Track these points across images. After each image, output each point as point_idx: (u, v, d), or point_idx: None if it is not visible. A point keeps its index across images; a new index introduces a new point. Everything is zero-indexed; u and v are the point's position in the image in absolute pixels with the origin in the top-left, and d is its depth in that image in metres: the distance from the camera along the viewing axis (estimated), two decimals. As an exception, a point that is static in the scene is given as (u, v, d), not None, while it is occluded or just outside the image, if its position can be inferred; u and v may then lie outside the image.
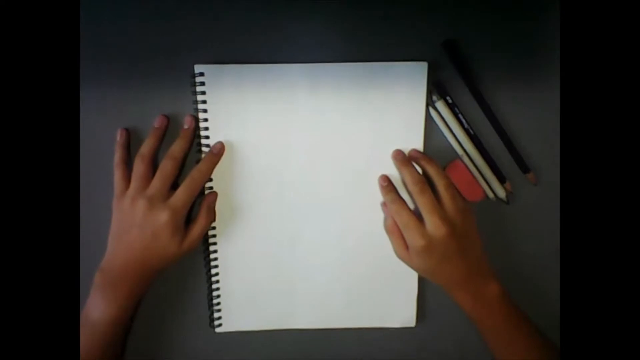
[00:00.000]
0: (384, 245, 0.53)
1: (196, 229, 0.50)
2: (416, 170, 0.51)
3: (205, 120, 0.50)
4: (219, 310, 0.55)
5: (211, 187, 0.52)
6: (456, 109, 0.51)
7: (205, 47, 0.50)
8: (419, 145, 0.52)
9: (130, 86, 0.50)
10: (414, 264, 0.50)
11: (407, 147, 0.52)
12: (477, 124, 0.52)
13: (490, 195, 0.54)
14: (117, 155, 0.50)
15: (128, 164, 0.51)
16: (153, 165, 0.50)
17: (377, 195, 0.53)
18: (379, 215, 0.53)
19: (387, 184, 0.52)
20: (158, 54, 0.50)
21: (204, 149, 0.51)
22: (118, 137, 0.51)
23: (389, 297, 0.55)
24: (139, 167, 0.49)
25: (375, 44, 0.50)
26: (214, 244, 0.54)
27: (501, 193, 0.53)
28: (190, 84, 0.50)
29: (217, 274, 0.54)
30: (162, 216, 0.47)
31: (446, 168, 0.53)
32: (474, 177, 0.53)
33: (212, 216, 0.52)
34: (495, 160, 0.53)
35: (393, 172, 0.52)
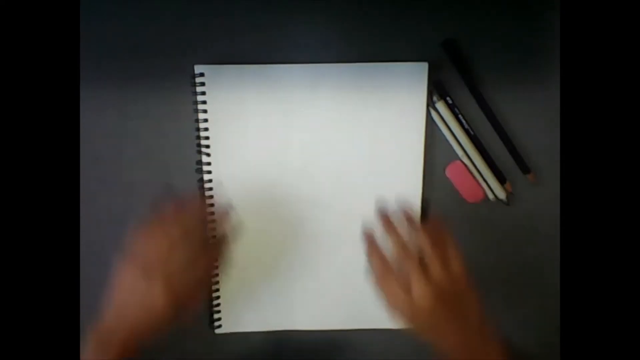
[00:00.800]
0: (384, 247, 0.53)
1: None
2: (383, 254, 0.46)
3: (205, 120, 0.50)
4: (218, 312, 0.55)
5: (211, 196, 0.52)
6: (456, 109, 0.51)
7: (206, 48, 0.50)
8: (419, 145, 0.52)
9: (130, 86, 0.50)
10: (404, 323, 0.46)
11: (407, 148, 0.52)
12: (477, 124, 0.52)
13: (490, 196, 0.54)
14: (158, 197, 0.48)
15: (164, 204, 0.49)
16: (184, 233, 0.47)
17: (377, 197, 0.53)
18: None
19: (370, 241, 0.47)
20: (158, 54, 0.50)
21: (204, 149, 0.51)
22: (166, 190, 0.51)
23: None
24: (173, 209, 0.47)
25: (375, 44, 0.50)
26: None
27: (501, 194, 0.53)
28: (190, 84, 0.50)
29: (216, 275, 0.54)
30: (158, 286, 0.45)
31: (446, 169, 0.53)
32: (474, 177, 0.53)
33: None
34: (495, 161, 0.53)
35: (394, 175, 0.52)
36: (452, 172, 0.53)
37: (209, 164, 0.51)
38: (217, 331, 0.56)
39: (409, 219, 0.47)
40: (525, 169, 0.53)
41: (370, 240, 0.48)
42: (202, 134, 0.51)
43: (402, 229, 0.47)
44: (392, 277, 0.45)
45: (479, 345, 0.45)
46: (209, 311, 0.56)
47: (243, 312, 0.55)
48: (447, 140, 0.52)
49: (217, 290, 0.55)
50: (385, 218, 0.48)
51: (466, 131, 0.52)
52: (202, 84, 0.49)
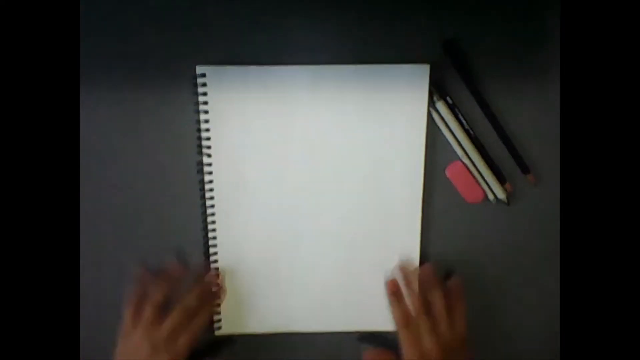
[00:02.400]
0: (385, 247, 0.53)
1: None
2: (405, 306, 0.52)
3: (207, 121, 0.50)
4: (218, 313, 0.55)
5: (212, 205, 0.52)
6: (456, 109, 0.51)
7: (207, 48, 0.50)
8: (420, 147, 0.52)
9: (131, 87, 0.50)
10: None
11: (408, 149, 0.52)
12: (478, 124, 0.52)
13: (491, 196, 0.54)
14: (132, 294, 0.51)
15: (140, 302, 0.51)
16: (163, 311, 0.50)
17: (378, 198, 0.53)
18: (381, 218, 0.53)
19: (395, 292, 0.53)
20: (159, 55, 0.50)
21: (205, 150, 0.51)
22: (138, 270, 0.52)
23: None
24: (149, 312, 0.50)
25: (376, 45, 0.50)
26: (215, 245, 0.54)
27: (501, 194, 0.53)
28: (192, 85, 0.50)
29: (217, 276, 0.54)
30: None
31: (446, 169, 0.53)
32: (474, 178, 0.53)
33: None
34: (495, 161, 0.53)
35: (395, 175, 0.52)
36: (452, 172, 0.53)
37: (209, 164, 0.51)
38: (217, 333, 0.56)
39: (430, 279, 0.53)
40: (525, 169, 0.53)
41: (394, 293, 0.53)
42: (203, 134, 0.51)
43: (420, 284, 0.53)
44: (412, 328, 0.51)
45: None
46: (210, 312, 0.56)
47: (243, 315, 0.55)
48: (447, 141, 0.52)
49: (218, 291, 0.55)
50: (395, 289, 0.53)
51: (466, 131, 0.52)
52: (204, 84, 0.49)
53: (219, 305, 0.54)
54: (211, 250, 0.54)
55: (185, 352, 0.49)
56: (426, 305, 0.51)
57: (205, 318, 0.51)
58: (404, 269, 0.54)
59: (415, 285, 0.53)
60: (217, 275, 0.52)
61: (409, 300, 0.53)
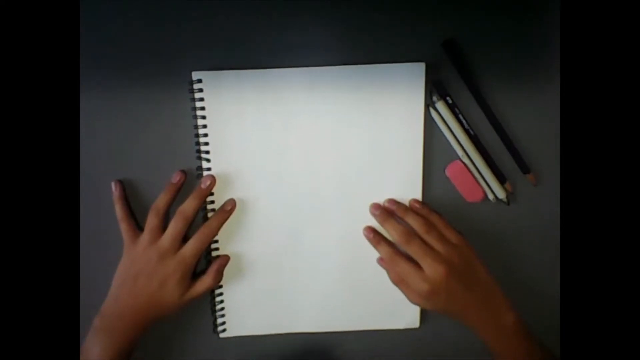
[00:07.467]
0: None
1: (200, 286, 0.51)
2: (396, 222, 0.51)
3: (204, 126, 0.50)
4: (222, 316, 0.55)
5: (212, 201, 0.52)
6: (456, 109, 0.51)
7: (203, 54, 0.49)
8: (418, 145, 0.52)
9: (128, 94, 0.50)
10: (428, 307, 0.51)
11: (407, 148, 0.52)
12: (477, 124, 0.52)
13: (490, 196, 0.54)
14: (118, 209, 0.51)
15: (131, 214, 0.52)
16: (166, 218, 0.51)
17: (377, 198, 0.53)
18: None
19: (373, 235, 0.53)
20: (156, 61, 0.49)
21: (204, 155, 0.51)
22: (114, 190, 0.51)
23: (392, 298, 0.55)
24: (153, 220, 0.50)
25: (375, 46, 0.50)
26: (217, 249, 0.54)
27: (501, 194, 0.53)
28: (188, 91, 0.50)
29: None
30: (172, 266, 0.49)
31: (446, 168, 0.53)
32: (474, 177, 0.53)
33: (219, 278, 0.53)
34: (495, 161, 0.53)
35: (394, 175, 0.53)
36: (452, 172, 0.53)
37: (209, 169, 0.51)
38: (222, 335, 0.56)
39: (398, 209, 0.52)
40: (525, 169, 0.53)
41: (373, 232, 0.53)
42: (202, 139, 0.51)
43: (396, 216, 0.52)
44: (403, 258, 0.50)
45: (493, 306, 0.50)
46: (213, 316, 0.56)
47: (247, 316, 0.56)
48: (447, 140, 0.52)
49: (221, 294, 0.55)
50: (379, 210, 0.52)
51: (466, 131, 0.52)
52: (200, 90, 0.49)
53: (230, 213, 0.52)
54: (213, 253, 0.54)
55: (194, 257, 0.50)
56: (426, 224, 0.51)
57: (214, 227, 0.51)
58: (375, 207, 0.52)
59: (391, 218, 0.52)
60: (213, 179, 0.51)
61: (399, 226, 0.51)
